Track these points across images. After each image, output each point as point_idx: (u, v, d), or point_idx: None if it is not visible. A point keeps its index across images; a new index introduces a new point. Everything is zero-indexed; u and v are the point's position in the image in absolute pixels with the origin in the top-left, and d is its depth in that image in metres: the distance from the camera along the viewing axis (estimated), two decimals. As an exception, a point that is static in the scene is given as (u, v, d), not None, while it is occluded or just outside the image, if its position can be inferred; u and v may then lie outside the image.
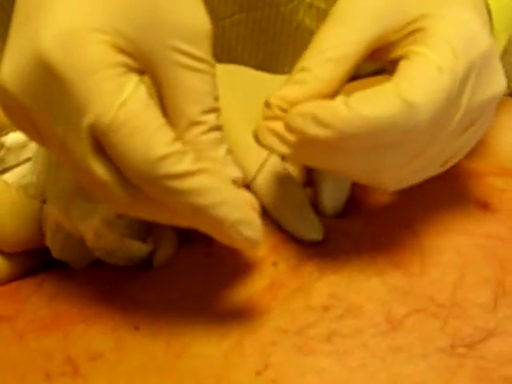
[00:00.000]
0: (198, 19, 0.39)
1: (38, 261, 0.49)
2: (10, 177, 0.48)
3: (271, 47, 0.62)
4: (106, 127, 0.36)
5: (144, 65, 0.38)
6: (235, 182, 0.40)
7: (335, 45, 0.41)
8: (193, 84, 0.39)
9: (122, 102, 0.36)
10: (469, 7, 0.43)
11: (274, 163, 0.48)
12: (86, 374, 0.43)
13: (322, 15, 0.61)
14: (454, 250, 0.46)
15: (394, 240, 0.46)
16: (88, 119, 0.36)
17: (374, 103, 0.39)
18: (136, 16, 0.38)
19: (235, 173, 0.40)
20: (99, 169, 0.38)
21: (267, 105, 0.41)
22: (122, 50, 0.37)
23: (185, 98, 0.39)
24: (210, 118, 0.39)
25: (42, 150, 0.47)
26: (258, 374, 0.41)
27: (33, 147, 0.48)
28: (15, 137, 0.48)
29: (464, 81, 0.41)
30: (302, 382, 0.41)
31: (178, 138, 0.38)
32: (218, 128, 0.40)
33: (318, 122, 0.39)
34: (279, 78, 0.53)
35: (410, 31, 0.42)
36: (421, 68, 0.40)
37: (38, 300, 0.47)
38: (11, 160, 0.48)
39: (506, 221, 0.47)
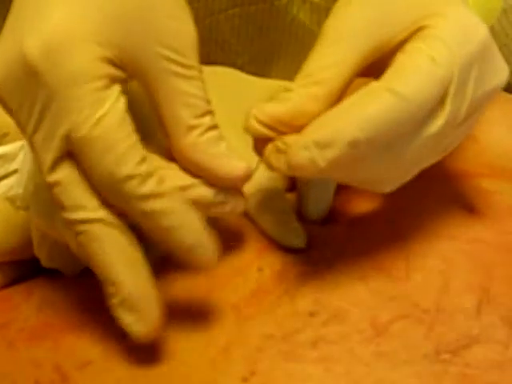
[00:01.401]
0: (186, 28, 0.39)
1: (27, 269, 0.48)
2: (-3, 188, 0.48)
3: (265, 41, 0.61)
4: (79, 141, 0.36)
5: (134, 73, 0.38)
6: (245, 174, 0.40)
7: (320, 68, 0.41)
8: (183, 89, 0.39)
9: (98, 118, 0.36)
10: (462, 3, 0.43)
11: (258, 170, 0.47)
12: (74, 382, 0.42)
13: (316, 9, 0.61)
14: (438, 255, 0.45)
15: (379, 245, 0.45)
16: (63, 130, 0.37)
17: (367, 102, 0.39)
18: (126, 25, 0.37)
19: (241, 165, 0.40)
20: (53, 179, 0.38)
21: (249, 115, 0.41)
22: (108, 60, 0.37)
23: (178, 104, 0.39)
24: (206, 121, 0.39)
25: (28, 161, 0.46)
26: (245, 380, 0.40)
27: (20, 159, 0.47)
28: (2, 150, 0.48)
29: (466, 72, 0.40)
30: (288, 388, 0.40)
31: (173, 143, 0.39)
32: (214, 127, 0.40)
33: (322, 145, 0.38)
34: (266, 82, 0.52)
35: (409, 33, 0.42)
36: (413, 60, 0.40)
37: (27, 309, 0.46)
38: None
39: (492, 226, 0.47)
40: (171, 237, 0.39)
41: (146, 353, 0.42)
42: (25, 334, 0.45)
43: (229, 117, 0.48)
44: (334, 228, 0.47)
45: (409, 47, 0.41)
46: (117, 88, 0.38)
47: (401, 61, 0.41)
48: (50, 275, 0.48)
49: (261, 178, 0.46)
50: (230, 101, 0.50)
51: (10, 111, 0.39)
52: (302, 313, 0.43)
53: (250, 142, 0.42)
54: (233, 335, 0.42)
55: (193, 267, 0.40)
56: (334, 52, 0.41)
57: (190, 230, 0.39)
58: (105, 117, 0.36)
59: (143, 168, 0.37)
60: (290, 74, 0.57)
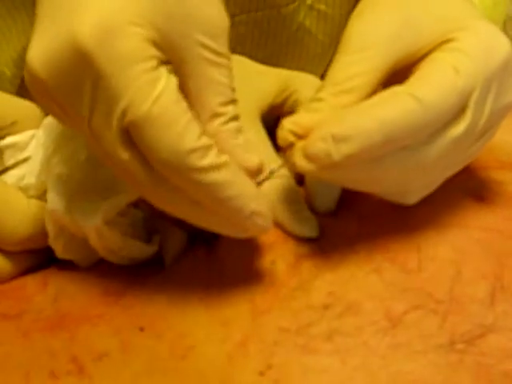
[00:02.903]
0: (222, 16, 0.39)
1: (41, 259, 0.47)
2: (9, 178, 0.47)
3: (271, 48, 0.61)
4: (139, 119, 0.37)
5: (171, 57, 0.38)
6: (257, 168, 0.40)
7: (348, 76, 0.42)
8: (214, 77, 0.39)
9: (156, 97, 0.37)
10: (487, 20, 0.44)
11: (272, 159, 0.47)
12: (91, 373, 0.41)
13: (323, 17, 0.60)
14: (450, 245, 0.44)
15: (390, 236, 0.45)
16: (121, 110, 0.37)
17: (389, 106, 0.39)
18: (167, 9, 0.38)
19: (254, 159, 0.40)
20: (125, 155, 0.38)
21: (281, 127, 0.42)
22: (154, 43, 0.38)
23: (207, 91, 0.39)
24: (230, 109, 0.39)
25: (41, 150, 0.46)
26: (261, 374, 0.40)
27: (31, 149, 0.46)
28: (13, 139, 0.47)
29: (487, 86, 0.41)
30: (304, 381, 0.39)
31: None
32: (236, 118, 0.40)
33: (340, 139, 0.39)
34: (275, 70, 0.51)
35: (434, 46, 0.43)
36: (437, 69, 0.41)
37: (42, 299, 0.45)
38: (10, 161, 0.47)
39: (502, 214, 0.46)
40: (232, 206, 0.39)
41: (162, 346, 0.42)
42: (40, 324, 0.44)
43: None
44: (345, 220, 0.46)
45: (434, 56, 0.42)
46: (165, 69, 0.38)
47: (425, 69, 0.41)
48: (65, 265, 0.47)
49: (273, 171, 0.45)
50: (239, 87, 0.50)
51: (58, 98, 0.38)
52: (317, 306, 0.42)
53: (259, 128, 0.43)
54: (249, 329, 0.41)
55: (248, 235, 0.41)
56: (361, 60, 0.42)
57: (250, 198, 0.39)
58: (162, 94, 0.37)
59: (203, 141, 0.37)
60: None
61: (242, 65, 0.53)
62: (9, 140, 0.47)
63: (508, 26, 0.69)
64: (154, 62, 0.37)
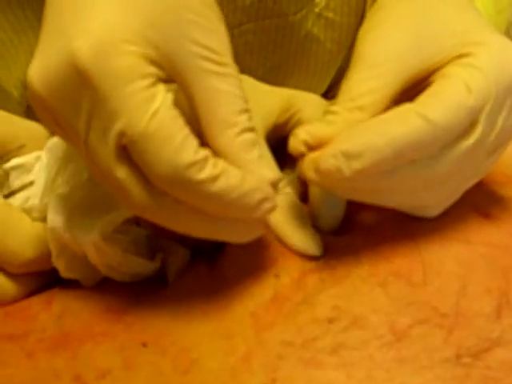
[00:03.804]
0: (216, 27, 0.39)
1: (46, 280, 0.47)
2: (14, 200, 0.46)
3: (279, 56, 0.61)
4: (136, 136, 0.36)
5: (172, 73, 0.38)
6: (272, 183, 0.40)
7: (363, 92, 0.42)
8: (221, 87, 0.38)
9: (152, 113, 0.36)
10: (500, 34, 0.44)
11: None
12: (94, 391, 0.41)
13: (331, 25, 0.60)
14: (455, 259, 0.43)
15: (395, 250, 0.44)
16: (118, 127, 0.36)
17: (396, 124, 0.40)
18: (162, 25, 0.37)
19: (270, 174, 0.40)
20: (122, 172, 0.38)
21: (294, 136, 0.42)
22: (151, 61, 0.37)
23: (214, 102, 0.38)
24: (242, 119, 0.39)
25: (44, 172, 0.45)
26: (266, 388, 0.39)
27: (36, 171, 0.46)
28: (18, 161, 0.46)
29: (499, 103, 0.41)
30: (309, 395, 0.39)
31: (209, 143, 0.39)
32: (251, 129, 0.39)
33: (350, 156, 0.39)
34: (280, 91, 0.51)
35: (447, 60, 0.43)
36: (448, 86, 0.41)
37: (46, 318, 0.44)
38: (15, 184, 0.46)
39: (507, 229, 0.45)
40: (237, 207, 0.39)
41: (165, 361, 0.41)
42: (44, 343, 0.43)
43: None
44: (349, 236, 0.46)
45: (447, 72, 0.42)
46: (162, 85, 0.38)
47: (437, 85, 0.41)
48: (69, 284, 0.46)
49: (278, 188, 0.45)
50: None
51: (55, 114, 0.38)
52: (322, 319, 0.41)
53: (263, 147, 0.43)
54: (252, 343, 0.41)
55: (259, 219, 0.41)
56: (375, 76, 0.42)
57: (252, 192, 0.38)
58: (158, 111, 0.36)
59: (200, 154, 0.37)
60: (303, 87, 0.56)
61: (245, 84, 0.53)
62: (15, 162, 0.47)
63: (511, 32, 0.69)
64: (150, 80, 0.37)
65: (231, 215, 0.39)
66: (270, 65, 0.61)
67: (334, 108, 0.43)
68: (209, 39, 0.38)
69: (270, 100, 0.50)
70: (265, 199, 0.39)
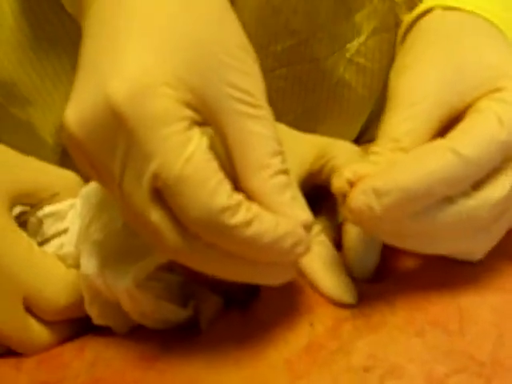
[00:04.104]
0: (251, 69, 0.39)
1: (79, 327, 0.47)
2: (48, 248, 0.46)
3: (311, 101, 0.61)
4: (171, 179, 0.36)
5: (207, 115, 0.38)
6: (305, 226, 0.39)
7: (403, 133, 0.42)
8: (255, 130, 0.38)
9: (187, 157, 0.36)
10: None
11: None
12: None
13: (362, 71, 0.60)
14: (491, 308, 0.43)
15: (430, 299, 0.43)
16: (152, 169, 0.36)
17: (428, 160, 0.39)
18: (197, 68, 0.38)
19: (303, 216, 0.40)
20: (156, 215, 0.38)
21: (339, 175, 0.42)
22: (187, 104, 0.37)
23: (248, 144, 0.38)
24: (276, 161, 0.39)
25: (78, 219, 0.45)
26: None
27: (70, 219, 0.46)
28: (52, 209, 0.47)
29: None
30: None
31: (242, 185, 0.39)
32: (284, 172, 0.39)
33: (380, 193, 0.39)
34: (313, 138, 0.51)
35: (481, 95, 0.42)
36: (480, 120, 0.41)
37: (79, 366, 0.44)
38: (49, 232, 0.47)
39: (542, 277, 0.45)
40: (271, 251, 0.38)
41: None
42: (77, 390, 0.43)
43: None
44: (384, 284, 0.45)
45: (480, 106, 0.42)
46: (197, 129, 0.38)
47: (469, 120, 0.41)
48: (101, 332, 0.46)
49: (312, 234, 0.45)
50: None
51: (91, 156, 0.38)
52: (357, 368, 0.41)
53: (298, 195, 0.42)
54: (288, 392, 0.40)
55: (292, 262, 0.40)
56: (413, 116, 0.42)
57: (285, 235, 0.38)
58: (193, 155, 0.36)
59: (234, 199, 0.37)
60: (335, 133, 0.56)
61: (279, 131, 0.53)
62: (48, 210, 0.47)
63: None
64: (185, 123, 0.37)
65: (264, 259, 0.39)
66: (302, 110, 0.61)
67: (376, 149, 0.42)
68: (244, 82, 0.38)
69: (303, 147, 0.50)
70: (298, 242, 0.39)
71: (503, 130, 0.40)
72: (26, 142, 0.61)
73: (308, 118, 0.62)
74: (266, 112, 0.39)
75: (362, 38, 0.60)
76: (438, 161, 0.39)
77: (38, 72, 0.58)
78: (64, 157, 0.61)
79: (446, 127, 0.42)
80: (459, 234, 0.42)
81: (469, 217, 0.41)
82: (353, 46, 0.60)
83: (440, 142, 0.40)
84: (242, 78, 0.38)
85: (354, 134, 0.64)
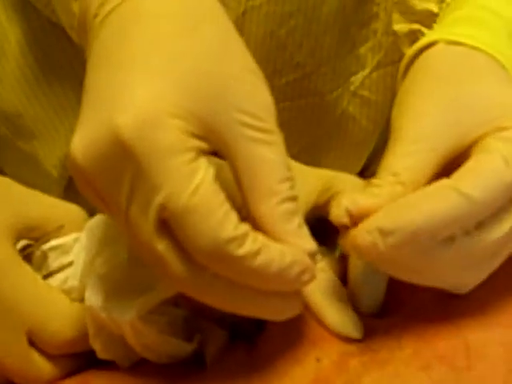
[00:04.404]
0: (259, 92, 0.39)
1: (82, 361, 0.46)
2: (53, 281, 0.46)
3: (315, 134, 0.61)
4: (178, 211, 0.36)
5: (215, 143, 0.38)
6: (310, 254, 0.39)
7: (405, 168, 0.42)
8: (263, 155, 0.38)
9: (194, 188, 0.36)
10: None
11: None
12: None
13: (367, 103, 0.61)
14: (499, 344, 0.42)
15: (437, 334, 0.43)
16: (159, 201, 0.36)
17: (432, 200, 0.40)
18: (202, 96, 0.38)
19: (308, 245, 0.39)
20: (162, 245, 0.37)
21: (337, 205, 0.42)
22: (193, 134, 0.37)
23: (258, 170, 0.38)
24: (285, 188, 0.39)
25: (82, 253, 0.45)
26: None
27: (75, 252, 0.46)
28: (57, 242, 0.47)
29: None
30: None
31: (251, 211, 0.39)
32: (292, 198, 0.39)
33: (385, 232, 0.39)
34: (317, 171, 0.51)
35: (484, 134, 0.42)
36: (486, 161, 0.41)
37: (82, 401, 0.44)
38: (54, 265, 0.46)
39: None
40: (277, 281, 0.38)
41: None
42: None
43: None
44: (390, 319, 0.45)
45: (486, 146, 0.42)
46: (204, 159, 0.38)
47: (475, 160, 0.41)
48: (105, 366, 0.45)
49: (318, 269, 0.44)
50: None
51: (97, 186, 0.38)
52: (364, 404, 0.41)
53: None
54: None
55: (298, 295, 0.40)
56: (415, 152, 0.43)
57: (291, 264, 0.38)
58: (200, 186, 0.36)
59: (240, 230, 0.37)
60: (340, 166, 0.56)
61: None
62: (53, 243, 0.47)
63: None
64: (192, 154, 0.37)
65: (270, 288, 0.39)
66: (306, 143, 0.61)
67: (376, 181, 0.42)
68: (252, 105, 0.38)
69: (308, 181, 0.50)
70: (304, 271, 0.39)
71: (509, 170, 0.40)
72: (31, 174, 0.62)
73: (312, 150, 0.62)
74: (275, 136, 0.39)
75: (366, 71, 0.60)
76: (443, 201, 0.39)
77: (43, 105, 0.59)
78: (68, 189, 0.61)
79: (449, 165, 0.43)
80: (453, 269, 0.42)
81: (466, 255, 0.41)
82: (357, 78, 0.61)
83: (446, 181, 0.40)
84: (250, 102, 0.38)
85: (359, 166, 0.64)
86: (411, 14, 0.57)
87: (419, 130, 0.43)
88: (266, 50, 0.57)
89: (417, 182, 0.42)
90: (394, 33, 0.58)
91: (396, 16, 0.58)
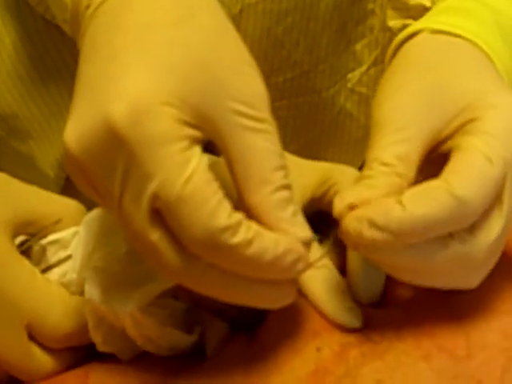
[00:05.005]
0: (253, 81, 0.39)
1: (82, 354, 0.46)
2: (51, 275, 0.46)
3: (313, 133, 0.61)
4: (170, 200, 0.36)
5: (208, 132, 0.38)
6: (304, 243, 0.39)
7: (395, 157, 0.42)
8: (257, 144, 0.38)
9: (187, 177, 0.36)
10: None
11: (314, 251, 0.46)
12: None
13: (364, 100, 0.61)
14: (498, 332, 0.43)
15: (437, 324, 0.43)
16: (152, 190, 0.36)
17: (426, 202, 0.39)
18: (196, 84, 0.38)
19: (303, 233, 0.39)
20: (155, 235, 0.37)
21: (340, 200, 0.42)
22: (187, 122, 0.37)
23: (251, 159, 0.38)
24: (278, 176, 0.39)
25: (81, 246, 0.45)
26: None
27: (73, 246, 0.46)
28: (55, 237, 0.47)
29: None
30: None
31: (244, 200, 0.39)
32: (286, 187, 0.39)
33: (373, 224, 0.39)
34: (316, 164, 0.52)
35: (461, 123, 0.42)
36: (470, 161, 0.41)
37: (86, 394, 0.44)
38: (52, 259, 0.47)
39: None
40: (272, 269, 0.38)
41: None
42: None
43: None
44: (390, 309, 0.45)
45: (464, 144, 0.42)
46: (197, 148, 0.38)
47: (459, 160, 0.41)
48: (106, 359, 0.46)
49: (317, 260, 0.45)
50: None
51: (90, 176, 0.38)
52: (364, 394, 0.41)
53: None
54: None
55: (292, 282, 0.40)
56: (401, 140, 0.42)
57: (285, 253, 0.38)
58: (193, 174, 0.36)
59: (234, 219, 0.37)
60: (338, 163, 0.56)
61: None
62: (52, 237, 0.47)
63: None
64: (185, 143, 0.37)
65: (264, 277, 0.39)
66: (304, 141, 0.62)
67: (369, 173, 0.42)
68: (246, 94, 0.38)
69: (306, 174, 0.50)
70: (298, 259, 0.39)
71: (494, 168, 0.40)
72: (27, 174, 0.61)
73: (310, 148, 0.62)
74: (269, 125, 0.39)
75: (363, 68, 0.61)
76: (435, 203, 0.39)
77: (38, 105, 0.59)
78: (65, 189, 0.61)
79: (431, 156, 0.43)
80: (452, 272, 0.42)
81: (463, 260, 0.41)
82: (354, 76, 0.61)
83: (437, 183, 0.40)
84: (244, 91, 0.38)
85: (358, 164, 0.65)
86: (405, 10, 0.58)
87: (400, 119, 0.43)
88: (263, 49, 0.58)
89: (409, 168, 0.42)
90: (391, 29, 0.59)
91: (390, 12, 0.58)
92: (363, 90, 0.61)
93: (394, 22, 0.58)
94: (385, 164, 0.42)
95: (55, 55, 0.57)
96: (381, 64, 0.60)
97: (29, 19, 0.57)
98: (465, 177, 0.40)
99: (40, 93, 0.59)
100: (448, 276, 0.42)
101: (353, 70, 0.61)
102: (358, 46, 0.60)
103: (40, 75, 0.58)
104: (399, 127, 0.43)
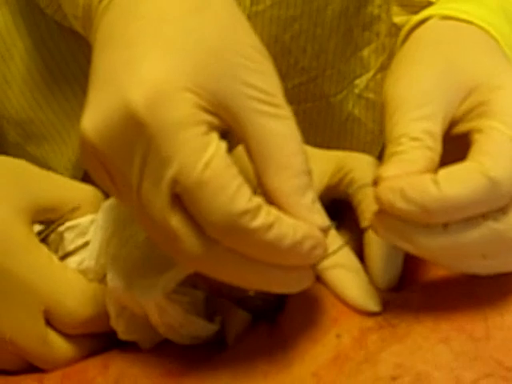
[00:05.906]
0: (266, 69, 0.40)
1: (103, 342, 0.47)
2: (69, 262, 0.47)
3: (321, 138, 0.62)
4: (190, 184, 0.37)
5: (226, 118, 0.39)
6: (322, 230, 0.40)
7: (422, 131, 0.42)
8: (275, 129, 0.39)
9: (206, 161, 0.37)
10: None
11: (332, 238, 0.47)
12: None
13: (372, 106, 0.62)
14: (516, 313, 0.44)
15: (455, 306, 0.44)
16: (171, 175, 0.37)
17: (460, 182, 0.40)
18: (213, 70, 0.38)
19: (321, 220, 0.40)
20: (175, 220, 0.38)
21: (384, 187, 0.41)
22: (205, 108, 0.38)
23: (270, 144, 0.39)
24: (297, 161, 0.39)
25: (99, 233, 0.46)
26: None
27: (91, 233, 0.47)
28: (73, 223, 0.48)
29: None
30: None
31: (263, 186, 0.39)
32: (305, 172, 0.40)
33: (406, 198, 0.40)
34: (327, 153, 0.53)
35: (472, 104, 0.43)
36: (497, 142, 0.41)
37: (103, 382, 0.44)
38: (70, 246, 0.47)
39: None
40: (291, 254, 0.39)
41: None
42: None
43: None
44: (408, 293, 0.46)
45: (485, 127, 0.42)
46: (215, 134, 0.38)
47: (485, 142, 0.42)
48: (127, 347, 0.46)
49: (335, 246, 0.45)
50: None
51: (108, 164, 0.39)
52: (384, 378, 0.41)
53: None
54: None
55: (310, 267, 0.41)
56: (423, 117, 0.43)
57: (303, 238, 0.39)
58: (212, 159, 0.37)
59: (254, 203, 0.37)
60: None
61: None
62: (69, 224, 0.48)
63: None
64: (204, 128, 0.38)
65: (283, 262, 0.39)
66: (312, 146, 0.62)
67: (398, 148, 0.42)
68: (262, 81, 0.39)
69: (320, 162, 0.50)
70: (316, 245, 0.39)
71: None
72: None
73: None
74: (285, 111, 0.40)
75: (370, 73, 0.62)
76: (470, 185, 0.39)
77: (53, 109, 0.59)
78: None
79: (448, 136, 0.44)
80: (487, 255, 0.42)
81: (497, 240, 0.41)
82: (362, 81, 0.62)
83: (468, 163, 0.41)
84: (260, 78, 0.39)
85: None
86: (411, 6, 0.58)
87: (422, 95, 0.44)
88: (270, 55, 0.59)
89: (436, 141, 0.42)
90: (397, 34, 0.60)
91: (396, 9, 0.59)
92: (371, 95, 0.62)
93: (399, 19, 0.59)
94: (414, 139, 0.42)
95: (69, 58, 0.58)
96: (387, 69, 0.61)
97: (42, 23, 0.58)
98: (496, 158, 0.41)
99: (55, 97, 0.59)
100: (485, 260, 0.42)
101: (360, 75, 0.62)
102: (365, 52, 0.61)
103: (54, 79, 0.59)
104: (421, 103, 0.43)
